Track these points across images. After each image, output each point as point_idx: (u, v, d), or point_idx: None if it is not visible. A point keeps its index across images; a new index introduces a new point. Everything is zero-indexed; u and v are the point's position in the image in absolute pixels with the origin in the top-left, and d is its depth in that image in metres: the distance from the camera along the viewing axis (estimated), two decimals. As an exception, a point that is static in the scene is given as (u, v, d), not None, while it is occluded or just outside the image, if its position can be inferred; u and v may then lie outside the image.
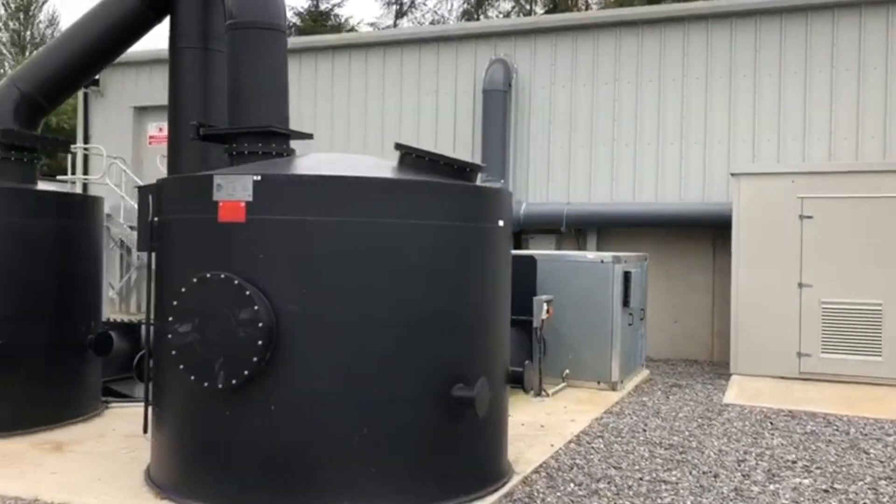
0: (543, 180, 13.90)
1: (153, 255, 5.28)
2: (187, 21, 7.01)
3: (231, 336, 4.55)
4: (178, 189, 5.11)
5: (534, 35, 14.02)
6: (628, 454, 6.45)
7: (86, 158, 17.36)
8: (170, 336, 4.72)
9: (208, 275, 4.64)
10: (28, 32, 43.77)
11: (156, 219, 5.20)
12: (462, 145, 14.46)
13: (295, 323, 4.60)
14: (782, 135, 12.16)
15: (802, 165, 11.00)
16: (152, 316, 5.30)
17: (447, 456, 4.93)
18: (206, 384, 4.62)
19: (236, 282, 4.57)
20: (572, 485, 5.59)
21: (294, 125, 6.25)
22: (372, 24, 33.77)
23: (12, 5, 42.67)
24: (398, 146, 5.35)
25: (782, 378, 9.87)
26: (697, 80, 12.85)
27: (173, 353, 4.71)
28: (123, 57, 18.07)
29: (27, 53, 41.03)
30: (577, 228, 13.33)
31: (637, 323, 9.95)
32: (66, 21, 63.26)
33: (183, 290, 4.70)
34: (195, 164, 7.03)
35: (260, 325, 4.51)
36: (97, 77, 16.92)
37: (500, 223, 5.31)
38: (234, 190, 4.70)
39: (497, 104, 13.71)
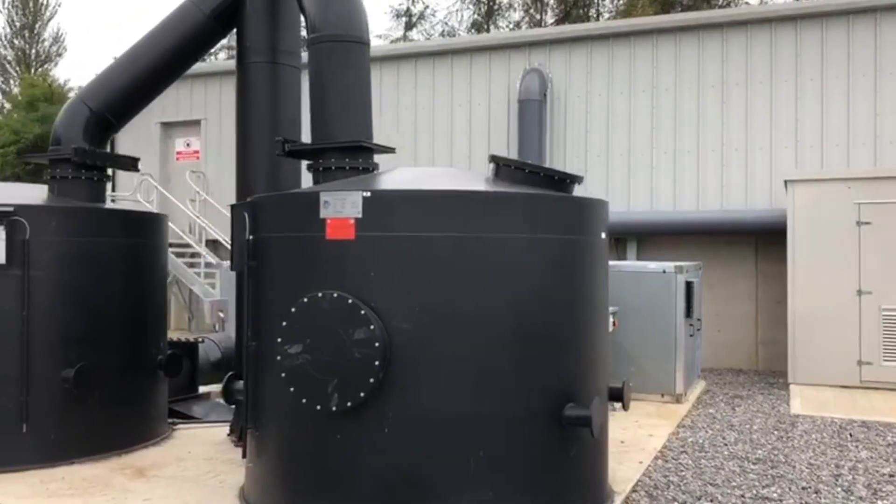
0: (581, 189, 13.74)
1: (244, 274, 5.14)
2: (255, 35, 6.89)
3: (345, 357, 4.42)
4: (280, 206, 4.97)
5: (569, 44, 13.92)
6: (719, 470, 6.30)
7: (113, 175, 17.25)
8: (279, 357, 4.58)
9: (320, 294, 4.51)
10: (33, 50, 43.70)
11: (250, 237, 5.06)
12: (497, 152, 14.32)
13: (408, 342, 4.46)
14: (825, 141, 12.03)
15: (859, 171, 10.86)
16: (245, 336, 5.15)
17: (560, 478, 4.78)
18: (318, 407, 4.48)
19: (350, 300, 4.43)
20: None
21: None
22: (380, 36, 33.67)
23: (17, 23, 42.63)
24: (494, 158, 5.22)
25: (843, 387, 9.74)
26: (738, 87, 12.73)
27: (283, 375, 4.57)
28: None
29: (32, 71, 40.96)
30: (617, 237, 13.19)
31: (696, 333, 9.81)
32: (72, 39, 63.19)
33: (293, 310, 4.56)
34: (265, 181, 6.91)
35: (376, 344, 4.38)
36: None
37: (603, 235, 5.18)
38: (342, 207, 4.57)
39: (533, 114, 13.61)
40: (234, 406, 7.08)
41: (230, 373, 5.78)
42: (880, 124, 11.71)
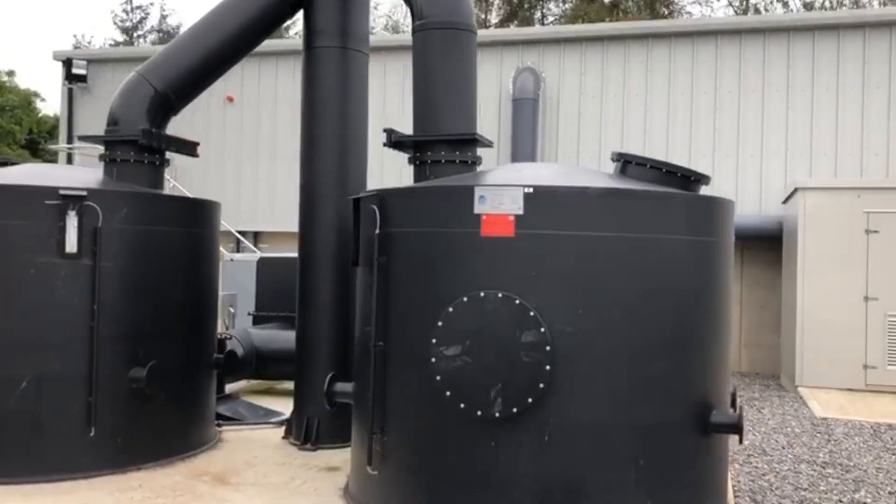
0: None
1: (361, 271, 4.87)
2: (325, 18, 6.55)
3: (512, 360, 4.20)
4: (420, 200, 4.71)
5: (562, 44, 13.91)
6: (797, 474, 6.34)
7: (69, 159, 16.36)
8: (433, 359, 4.33)
9: (482, 294, 4.28)
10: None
11: (376, 231, 4.77)
12: (487, 154, 14.19)
13: (571, 345, 4.28)
14: (840, 150, 12.32)
15: (868, 181, 11.19)
16: (365, 334, 4.87)
17: (702, 483, 4.70)
18: (479, 412, 4.25)
19: (517, 301, 4.22)
20: (786, 509, 5.44)
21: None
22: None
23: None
24: (619, 155, 5.08)
25: (850, 390, 9.99)
26: (730, 94, 12.96)
27: (438, 378, 4.32)
28: (113, 53, 17.16)
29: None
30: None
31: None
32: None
33: (450, 309, 4.31)
34: (333, 171, 6.59)
35: (547, 348, 4.18)
36: (84, 73, 15.95)
37: (733, 237, 5.11)
38: (500, 202, 4.35)
39: (527, 113, 13.54)
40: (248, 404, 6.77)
41: (331, 374, 5.47)
42: (893, 135, 12.08)
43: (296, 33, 31.92)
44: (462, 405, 4.28)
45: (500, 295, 4.25)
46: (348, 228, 6.42)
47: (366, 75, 6.78)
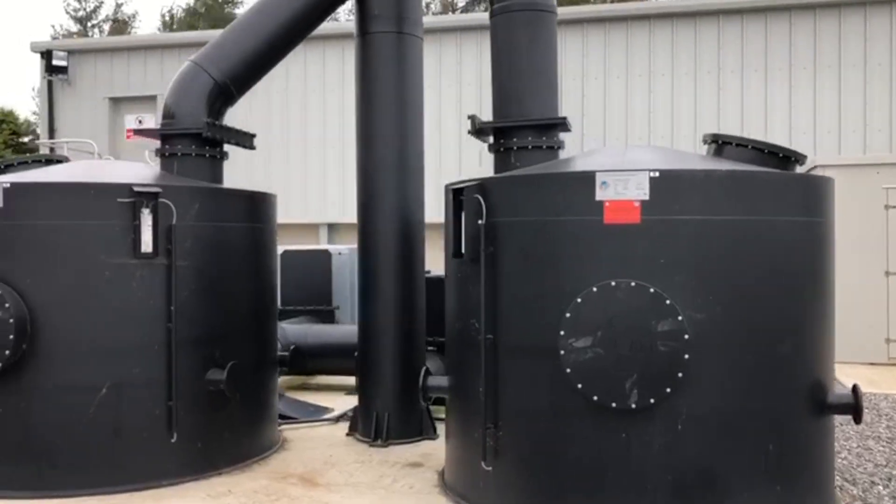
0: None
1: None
2: (381, 2, 6.36)
3: (648, 350, 4.11)
4: (534, 189, 4.56)
5: (563, 26, 13.78)
6: (869, 451, 6.37)
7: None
8: (562, 352, 4.22)
9: (613, 283, 4.17)
10: None
11: (480, 221, 4.63)
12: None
13: (703, 333, 4.20)
14: (868, 127, 12.44)
15: (887, 157, 11.29)
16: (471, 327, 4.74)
17: (821, 468, 4.67)
18: (613, 404, 4.16)
19: (652, 290, 4.13)
20: None
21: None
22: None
23: None
24: (714, 136, 5.01)
25: (872, 364, 10.12)
26: (733, 73, 13.01)
27: (568, 370, 4.21)
28: (96, 43, 16.66)
29: None
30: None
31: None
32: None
33: (578, 300, 4.20)
34: (393, 161, 6.42)
35: (686, 336, 4.10)
36: (65, 64, 15.44)
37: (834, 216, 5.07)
38: (625, 188, 4.24)
39: (531, 96, 13.45)
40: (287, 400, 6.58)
41: (425, 367, 5.34)
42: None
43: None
44: (595, 397, 4.18)
45: (632, 284, 4.15)
46: (411, 218, 6.34)
47: (421, 60, 6.61)
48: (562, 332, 4.22)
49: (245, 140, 6.31)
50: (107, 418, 5.15)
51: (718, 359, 4.23)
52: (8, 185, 5.08)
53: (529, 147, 5.27)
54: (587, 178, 4.31)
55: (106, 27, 40.62)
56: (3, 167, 6.07)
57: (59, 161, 6.25)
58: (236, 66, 6.01)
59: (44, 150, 16.02)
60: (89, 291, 5.14)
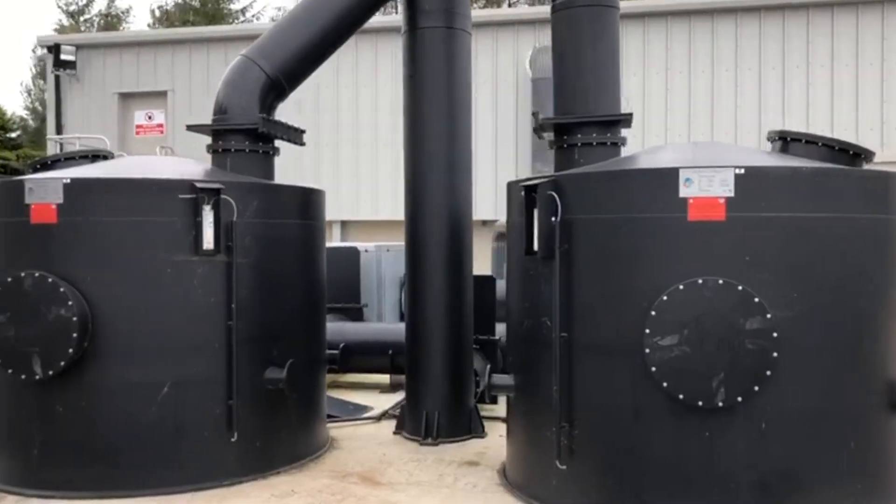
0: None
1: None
2: (431, -3, 6.30)
3: (736, 348, 4.08)
4: (613, 185, 4.53)
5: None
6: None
7: (59, 149, 15.65)
8: (647, 350, 4.18)
9: (700, 280, 4.14)
10: None
11: (554, 218, 4.59)
12: (505, 135, 14.08)
13: (790, 331, 4.17)
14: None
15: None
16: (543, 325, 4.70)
17: (892, 463, 4.65)
18: (700, 402, 4.13)
19: (740, 287, 4.10)
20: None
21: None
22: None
23: None
24: (782, 133, 4.98)
25: None
26: (750, 70, 13.02)
27: (653, 369, 4.18)
28: (105, 37, 16.50)
29: None
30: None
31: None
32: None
33: (664, 298, 4.17)
34: (442, 158, 6.37)
35: (774, 335, 4.07)
36: (73, 59, 15.29)
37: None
38: (709, 185, 4.21)
39: (548, 92, 13.34)
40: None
41: (489, 366, 5.29)
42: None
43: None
44: (680, 396, 4.15)
45: (720, 282, 4.12)
46: (460, 217, 6.30)
47: (470, 55, 6.56)
48: (647, 331, 4.19)
49: (296, 136, 6.25)
50: (168, 417, 5.08)
51: (803, 357, 4.21)
52: (68, 180, 5.00)
53: (594, 143, 5.23)
54: (670, 175, 4.28)
55: (101, 22, 40.22)
56: (49, 162, 5.97)
57: (104, 157, 6.16)
58: (288, 60, 5.93)
59: (52, 146, 15.88)
60: (151, 289, 5.06)
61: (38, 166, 6.00)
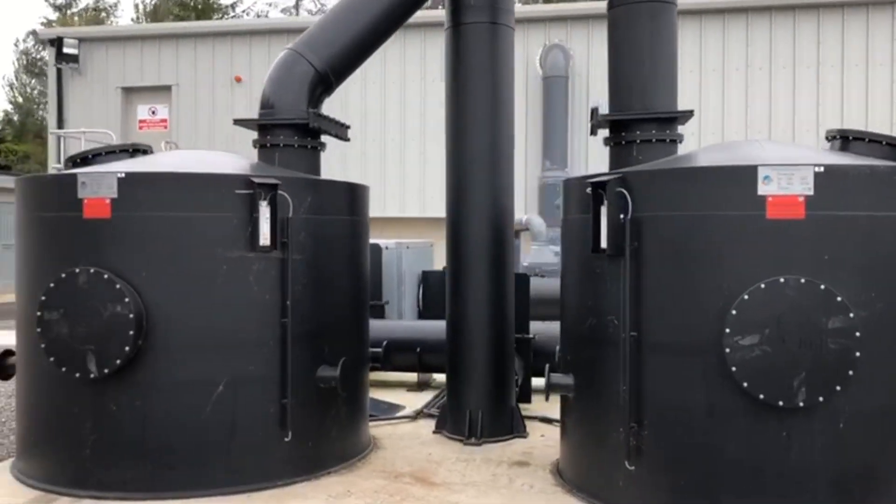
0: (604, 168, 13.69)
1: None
2: (475, -10, 6.23)
3: (818, 348, 4.06)
4: (688, 182, 4.48)
5: (590, 21, 13.76)
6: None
7: (58, 146, 15.45)
8: (727, 350, 4.15)
9: (781, 279, 4.11)
10: None
11: (623, 216, 4.54)
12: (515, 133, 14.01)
13: (870, 330, 4.14)
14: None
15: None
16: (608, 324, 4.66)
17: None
18: (780, 402, 4.10)
19: (822, 286, 4.07)
20: None
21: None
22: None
23: None
24: (842, 131, 4.96)
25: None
26: (761, 70, 13.04)
27: (733, 369, 4.14)
28: (108, 31, 16.32)
29: None
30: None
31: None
32: None
33: (745, 297, 4.13)
34: (485, 157, 6.32)
35: (857, 334, 4.04)
36: (76, 52, 15.09)
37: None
38: (789, 183, 4.18)
39: (559, 91, 13.38)
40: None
41: (547, 364, 5.24)
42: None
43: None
44: (761, 396, 4.12)
45: (802, 280, 4.09)
46: (502, 213, 6.24)
47: (512, 51, 6.51)
48: (727, 330, 4.15)
49: (341, 132, 6.15)
50: (223, 416, 4.99)
51: (885, 356, 4.19)
52: (123, 174, 4.89)
53: (653, 140, 5.19)
54: (749, 173, 4.24)
55: (87, 17, 39.78)
56: (90, 156, 5.85)
57: (144, 151, 6.05)
58: (337, 54, 5.84)
59: (52, 139, 15.67)
60: (206, 285, 4.97)
61: (79, 160, 5.88)
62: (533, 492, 5.10)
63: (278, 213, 5.06)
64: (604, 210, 4.67)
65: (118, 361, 4.77)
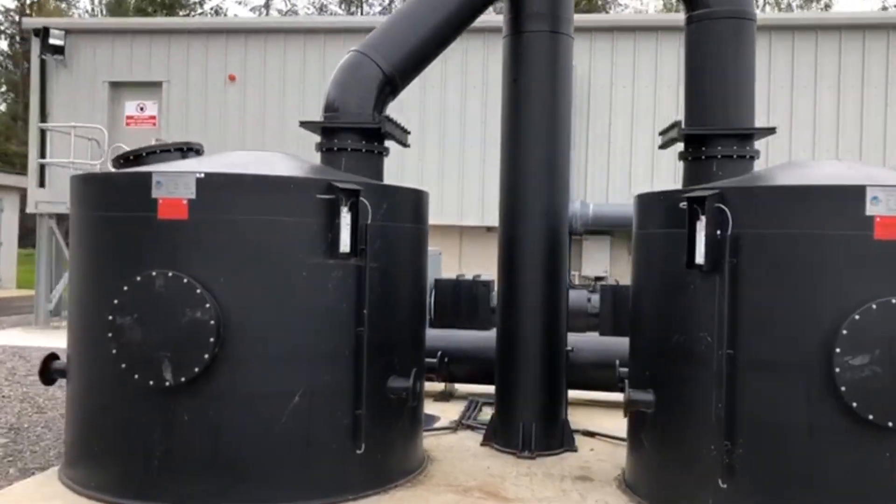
0: (602, 182, 13.75)
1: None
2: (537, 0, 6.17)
3: (929, 368, 4.07)
4: (791, 200, 4.45)
5: (592, 33, 13.79)
6: None
7: (42, 140, 14.95)
8: (837, 370, 4.14)
9: (894, 300, 4.11)
10: None
11: (721, 232, 4.52)
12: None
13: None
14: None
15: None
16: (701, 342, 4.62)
17: None
18: (890, 423, 4.11)
19: (934, 308, 4.09)
20: None
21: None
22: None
23: None
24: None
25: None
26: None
27: (843, 388, 4.13)
28: (97, 23, 15.83)
29: None
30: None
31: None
32: None
33: (856, 317, 4.13)
34: (543, 167, 6.27)
35: (961, 355, 4.07)
36: (62, 44, 14.66)
37: None
38: (900, 202, 4.19)
39: (560, 99, 13.35)
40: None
41: (626, 381, 5.18)
42: None
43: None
44: (870, 416, 4.12)
45: (917, 301, 4.10)
46: (557, 224, 6.19)
47: (571, 60, 6.46)
48: (837, 350, 4.14)
49: (404, 137, 6.02)
50: (298, 428, 4.83)
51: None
52: (202, 175, 4.70)
53: (734, 156, 5.17)
54: (856, 193, 4.24)
55: (49, 6, 38.70)
56: (144, 154, 5.65)
57: (196, 151, 5.86)
58: (404, 57, 5.72)
59: (34, 133, 15.16)
60: (285, 292, 4.80)
61: (132, 157, 5.67)
62: (617, 509, 5.03)
63: (360, 219, 4.91)
64: (699, 225, 4.63)
65: (196, 369, 4.58)
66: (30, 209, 15.08)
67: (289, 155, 5.79)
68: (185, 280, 4.59)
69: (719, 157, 5.21)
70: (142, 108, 14.99)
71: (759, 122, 5.47)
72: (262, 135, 14.39)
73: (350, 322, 4.97)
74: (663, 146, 5.72)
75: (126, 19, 15.56)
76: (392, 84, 5.73)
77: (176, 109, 14.71)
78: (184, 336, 4.58)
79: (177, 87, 14.74)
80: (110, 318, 4.65)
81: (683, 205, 4.69)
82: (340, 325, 4.95)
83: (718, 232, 4.54)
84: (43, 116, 14.95)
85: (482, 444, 6.38)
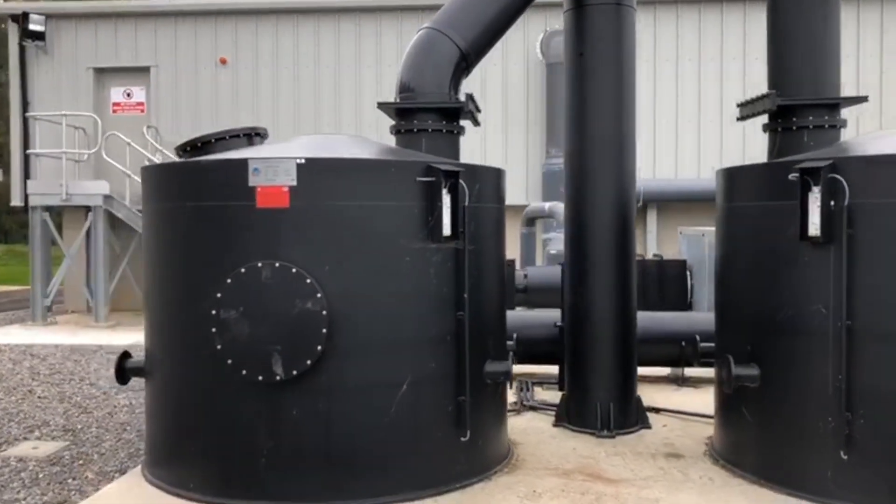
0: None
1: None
2: (601, -27, 6.06)
3: None
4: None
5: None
6: None
7: (25, 128, 14.46)
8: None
9: None
10: None
11: (842, 203, 4.48)
12: (515, 120, 13.90)
13: None
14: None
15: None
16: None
17: None
18: None
19: None
20: None
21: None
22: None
23: None
24: None
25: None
26: (758, 60, 13.28)
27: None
28: (78, 7, 15.32)
29: None
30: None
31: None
32: None
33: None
34: (611, 142, 6.19)
35: None
36: (42, 30, 14.14)
37: None
38: None
39: (563, 77, 13.24)
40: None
41: (729, 356, 5.12)
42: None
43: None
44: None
45: None
46: (626, 198, 6.12)
47: (634, 33, 6.36)
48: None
49: (477, 116, 5.87)
50: (407, 418, 4.70)
51: None
52: (303, 160, 4.52)
53: (825, 126, 5.14)
54: (977, 161, 4.22)
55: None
56: (212, 140, 5.42)
57: (261, 136, 5.65)
58: (479, 33, 5.58)
59: (16, 122, 14.63)
60: (389, 279, 4.66)
61: (199, 145, 5.44)
62: (715, 486, 4.99)
63: (459, 201, 4.78)
64: (811, 197, 4.58)
65: (308, 362, 4.42)
66: (15, 202, 14.55)
67: (359, 137, 5.61)
68: (294, 270, 4.41)
69: (811, 126, 5.16)
70: (129, 95, 14.55)
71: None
72: (257, 118, 14.03)
73: (451, 307, 4.84)
74: (745, 118, 5.65)
75: (110, 2, 15.01)
76: (467, 61, 5.58)
77: (165, 95, 14.30)
78: (295, 328, 4.41)
79: (165, 71, 14.32)
80: (213, 312, 4.45)
81: (794, 176, 4.63)
82: (442, 311, 4.82)
83: (832, 202, 4.49)
84: (25, 105, 14.42)
85: (554, 425, 6.31)
